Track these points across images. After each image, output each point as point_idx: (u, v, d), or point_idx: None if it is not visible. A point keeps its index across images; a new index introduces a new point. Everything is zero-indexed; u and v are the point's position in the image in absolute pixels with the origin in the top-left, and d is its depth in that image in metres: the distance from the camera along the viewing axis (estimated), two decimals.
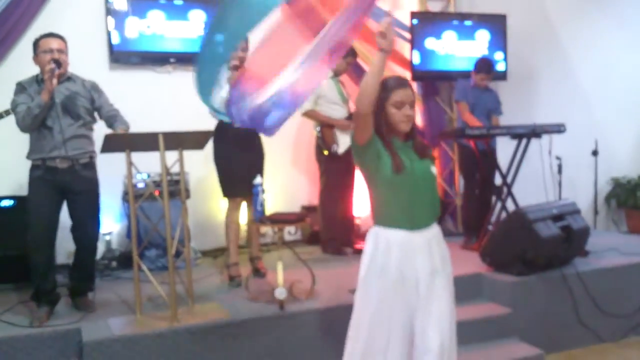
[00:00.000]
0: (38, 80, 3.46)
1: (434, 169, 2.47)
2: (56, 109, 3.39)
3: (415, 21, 5.69)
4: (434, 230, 2.45)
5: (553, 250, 3.98)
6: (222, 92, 3.93)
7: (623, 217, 6.85)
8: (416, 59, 5.74)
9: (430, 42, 5.77)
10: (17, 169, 3.57)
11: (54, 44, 3.41)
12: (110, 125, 3.56)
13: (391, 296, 2.34)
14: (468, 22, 5.91)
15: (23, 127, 3.37)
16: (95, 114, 3.62)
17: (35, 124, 3.35)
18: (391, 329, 2.34)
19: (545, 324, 3.92)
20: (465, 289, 3.98)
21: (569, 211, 4.23)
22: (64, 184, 3.44)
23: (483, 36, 5.95)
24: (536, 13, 6.44)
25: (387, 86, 2.38)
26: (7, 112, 3.50)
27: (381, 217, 2.42)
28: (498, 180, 4.95)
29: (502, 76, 5.94)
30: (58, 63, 3.33)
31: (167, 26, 5.05)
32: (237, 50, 3.98)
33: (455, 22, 5.90)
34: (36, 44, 3.44)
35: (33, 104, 3.30)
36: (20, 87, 3.45)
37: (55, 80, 3.30)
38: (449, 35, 5.85)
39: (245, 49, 4.01)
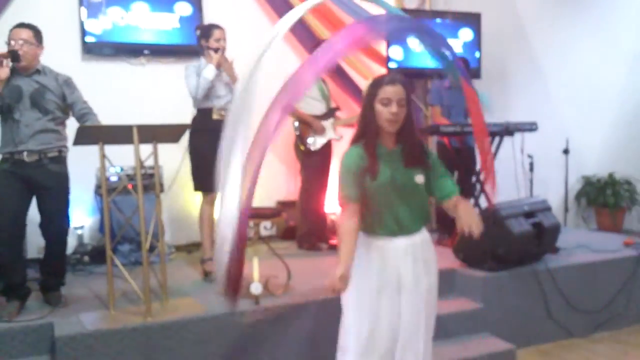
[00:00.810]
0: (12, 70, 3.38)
1: (420, 178, 2.36)
2: (24, 102, 3.34)
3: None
4: (419, 237, 2.40)
5: (524, 246, 4.04)
6: (205, 72, 3.92)
7: (593, 214, 6.98)
8: (398, 55, 5.76)
9: (406, 40, 5.80)
10: None
11: (19, 34, 3.36)
12: (79, 120, 3.50)
13: (375, 301, 2.33)
14: (445, 20, 5.95)
15: None
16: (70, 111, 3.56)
17: None
18: (378, 331, 2.35)
19: (517, 319, 3.98)
20: (438, 284, 4.02)
21: (540, 208, 4.28)
22: (31, 177, 3.38)
23: (461, 35, 6.00)
24: (509, 13, 6.51)
25: (377, 83, 2.34)
26: None
27: (362, 223, 2.36)
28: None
29: (476, 74, 5.99)
30: (13, 53, 3.28)
31: (141, 18, 5.00)
32: (219, 40, 3.99)
33: (432, 20, 5.94)
34: (9, 33, 3.39)
35: None
36: None
37: (4, 70, 3.24)
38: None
39: (222, 39, 4.01)
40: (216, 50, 3.96)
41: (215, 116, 4.03)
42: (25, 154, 3.34)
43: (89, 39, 4.85)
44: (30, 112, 3.35)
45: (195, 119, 4.06)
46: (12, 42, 3.34)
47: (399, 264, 2.34)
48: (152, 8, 5.02)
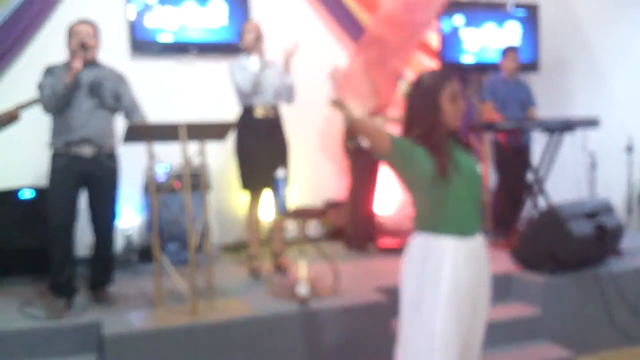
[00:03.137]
0: (69, 65, 3.45)
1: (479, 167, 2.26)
2: (82, 90, 3.43)
3: (446, 10, 5.57)
4: (481, 238, 2.25)
5: (586, 249, 3.87)
6: (249, 64, 3.89)
7: None
8: (474, 48, 5.66)
9: (460, 32, 5.64)
10: (37, 158, 3.55)
11: (86, 28, 3.48)
12: (127, 115, 3.57)
13: (445, 309, 2.12)
14: (500, 12, 5.76)
15: (48, 108, 3.40)
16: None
17: (60, 105, 3.37)
18: (448, 342, 2.14)
19: (577, 325, 3.81)
20: (494, 289, 3.84)
21: (602, 209, 4.09)
22: (87, 173, 3.43)
23: (515, 27, 5.80)
24: (568, 4, 6.26)
25: (441, 79, 2.15)
26: (35, 101, 3.54)
27: (429, 223, 2.19)
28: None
29: (534, 67, 5.77)
30: (83, 46, 3.39)
31: (189, 16, 5.00)
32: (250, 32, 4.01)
33: (486, 12, 5.76)
34: (70, 30, 3.49)
35: (59, 85, 3.33)
36: (48, 71, 3.47)
37: (79, 62, 3.35)
38: (480, 25, 5.71)
39: (251, 31, 4.01)
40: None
41: (259, 114, 4.00)
42: (85, 149, 3.40)
43: (137, 38, 4.88)
44: (88, 100, 3.43)
45: (240, 117, 4.03)
46: (81, 36, 3.44)
47: (469, 268, 2.17)
48: (199, 3, 5.04)
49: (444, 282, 2.12)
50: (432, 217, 2.19)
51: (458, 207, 2.17)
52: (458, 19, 5.63)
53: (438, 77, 2.17)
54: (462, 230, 2.17)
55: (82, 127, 3.40)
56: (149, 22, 4.90)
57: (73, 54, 3.38)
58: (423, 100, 2.16)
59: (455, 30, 5.62)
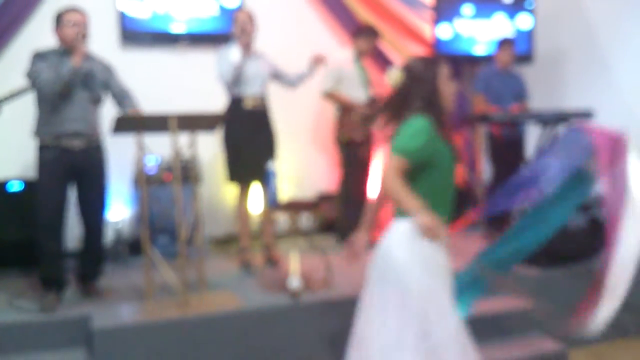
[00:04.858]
0: (61, 52, 3.38)
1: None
2: (77, 82, 3.37)
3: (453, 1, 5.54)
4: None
5: (579, 242, 3.85)
6: (230, 55, 3.85)
7: None
8: (447, 34, 5.59)
9: (453, 22, 5.61)
10: (25, 149, 3.49)
11: (79, 17, 3.39)
12: (119, 102, 3.51)
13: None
14: (494, 2, 5.72)
15: (52, 93, 3.27)
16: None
17: (64, 92, 3.29)
18: None
19: (569, 318, 3.79)
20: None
21: (596, 202, 4.06)
22: (77, 166, 3.38)
23: (527, 18, 5.77)
24: None
25: (435, 63, 2.25)
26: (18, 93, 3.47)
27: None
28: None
29: (529, 58, 5.74)
30: (83, 37, 3.34)
31: (179, 6, 4.94)
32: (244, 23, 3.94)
33: (480, 2, 5.72)
34: (60, 17, 3.39)
35: (64, 70, 3.25)
36: (39, 57, 3.35)
37: (83, 51, 3.28)
38: (474, 15, 5.67)
39: (243, 22, 3.94)
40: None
41: (248, 105, 3.96)
42: (75, 141, 3.34)
43: (127, 28, 4.82)
44: (81, 92, 3.37)
45: (228, 109, 3.99)
46: (81, 28, 3.36)
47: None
48: None
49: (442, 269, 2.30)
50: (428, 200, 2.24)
51: (449, 192, 2.30)
52: (467, 10, 5.59)
53: (432, 62, 2.26)
54: (447, 213, 2.33)
55: (75, 120, 3.34)
56: (139, 12, 4.82)
57: (79, 39, 3.27)
58: (427, 86, 2.21)
59: (452, 19, 5.58)
